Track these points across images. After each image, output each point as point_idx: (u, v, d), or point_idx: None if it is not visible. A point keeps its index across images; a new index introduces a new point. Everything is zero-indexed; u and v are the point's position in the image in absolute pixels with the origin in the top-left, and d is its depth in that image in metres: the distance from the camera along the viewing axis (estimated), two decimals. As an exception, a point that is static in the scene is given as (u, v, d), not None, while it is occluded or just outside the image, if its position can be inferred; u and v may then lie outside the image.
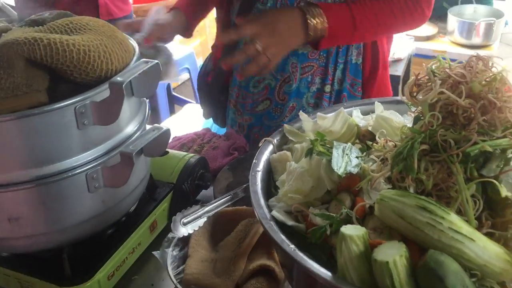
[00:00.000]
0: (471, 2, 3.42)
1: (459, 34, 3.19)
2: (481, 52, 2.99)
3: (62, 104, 0.80)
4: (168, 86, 3.48)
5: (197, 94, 3.39)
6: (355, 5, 1.20)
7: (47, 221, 0.88)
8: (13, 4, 2.74)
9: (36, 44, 0.78)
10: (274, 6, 1.31)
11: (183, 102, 3.47)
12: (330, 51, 1.35)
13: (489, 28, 3.15)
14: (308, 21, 1.16)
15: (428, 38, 3.22)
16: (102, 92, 0.83)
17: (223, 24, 1.47)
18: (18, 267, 0.98)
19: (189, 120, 2.31)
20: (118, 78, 0.82)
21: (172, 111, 3.42)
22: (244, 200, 1.12)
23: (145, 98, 1.03)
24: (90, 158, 0.87)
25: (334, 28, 1.18)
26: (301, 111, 0.96)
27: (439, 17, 3.40)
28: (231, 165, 1.33)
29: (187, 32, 1.49)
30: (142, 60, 0.88)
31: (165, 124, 2.20)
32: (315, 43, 1.21)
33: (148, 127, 0.96)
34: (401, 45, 2.92)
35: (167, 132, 0.92)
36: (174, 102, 3.58)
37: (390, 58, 2.62)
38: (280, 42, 1.16)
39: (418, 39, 3.17)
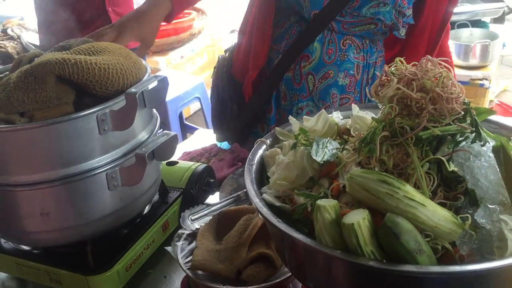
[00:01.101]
0: (467, 26, 3.58)
1: (456, 56, 3.34)
2: (478, 73, 3.15)
3: (86, 112, 0.95)
4: (181, 115, 3.66)
5: (209, 122, 3.52)
6: None
7: (73, 216, 1.03)
8: (37, 43, 2.97)
9: (65, 63, 0.94)
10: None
11: (194, 130, 3.64)
12: (363, 85, 1.53)
13: (485, 49, 3.29)
14: None
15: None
16: (119, 102, 0.99)
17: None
18: (47, 261, 1.12)
19: (200, 143, 2.46)
20: (133, 90, 0.98)
21: (184, 138, 3.58)
22: (246, 202, 1.26)
23: (155, 110, 1.18)
24: (109, 159, 1.02)
25: None
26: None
27: (437, 41, 3.56)
28: (235, 174, 1.47)
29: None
30: (152, 75, 1.04)
31: (177, 148, 2.36)
32: None
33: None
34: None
35: (175, 137, 1.07)
36: (187, 131, 3.75)
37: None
38: None
39: (417, 62, 3.31)
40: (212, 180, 1.38)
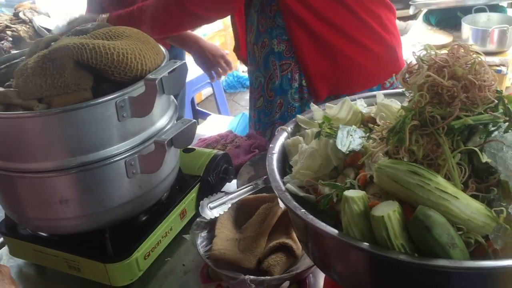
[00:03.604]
0: (484, 11, 3.50)
1: (473, 41, 3.26)
2: (496, 59, 3.08)
3: (105, 98, 0.93)
4: (192, 101, 3.64)
5: (221, 108, 3.58)
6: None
7: (92, 203, 1.02)
8: (49, 27, 2.94)
9: (83, 48, 0.92)
10: None
11: (206, 116, 3.63)
12: None
13: (502, 35, 3.22)
14: None
15: (442, 47, 3.30)
16: (138, 89, 0.97)
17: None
18: (66, 248, 1.11)
19: (213, 128, 2.45)
20: (152, 76, 0.95)
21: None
22: (263, 190, 1.24)
23: (173, 98, 1.16)
24: (128, 147, 1.00)
25: None
26: (288, 106, 1.09)
27: (454, 26, 3.49)
28: (252, 161, 1.45)
29: None
30: (171, 60, 1.01)
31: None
32: None
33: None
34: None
35: (194, 124, 1.05)
36: (198, 116, 3.74)
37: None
38: None
39: (433, 47, 3.25)
40: (230, 168, 1.36)
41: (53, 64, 0.92)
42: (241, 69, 4.82)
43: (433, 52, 0.81)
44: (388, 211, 0.70)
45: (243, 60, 1.79)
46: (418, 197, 0.72)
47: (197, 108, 3.77)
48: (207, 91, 4.28)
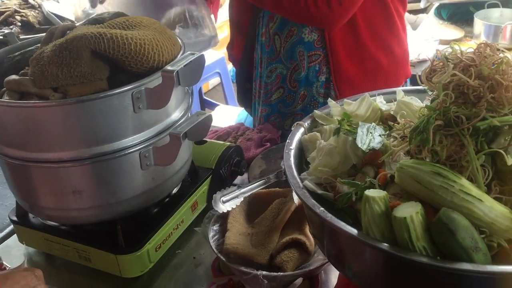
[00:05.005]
0: (497, 6, 3.46)
1: (485, 37, 3.22)
2: (508, 55, 3.02)
3: (122, 89, 0.92)
4: (200, 91, 3.62)
5: (229, 98, 3.55)
6: None
7: (105, 194, 1.01)
8: (58, 13, 2.92)
9: (101, 38, 0.90)
10: None
11: (214, 106, 3.61)
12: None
13: (515, 31, 3.18)
14: None
15: (454, 42, 3.27)
16: (155, 80, 0.95)
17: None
18: (77, 238, 1.11)
19: (221, 120, 2.43)
20: (169, 68, 0.94)
21: (204, 114, 3.54)
22: (275, 185, 1.23)
23: (188, 89, 1.15)
24: (143, 138, 0.99)
25: None
26: (311, 99, 1.06)
27: (466, 21, 3.46)
28: (264, 154, 1.44)
29: None
30: (188, 52, 0.99)
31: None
32: None
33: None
34: (427, 47, 2.99)
35: (209, 117, 1.04)
36: (206, 106, 3.72)
37: (415, 59, 2.69)
38: None
39: (444, 42, 3.23)
40: (242, 161, 1.35)
41: (70, 54, 0.90)
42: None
43: (458, 50, 0.79)
44: (411, 213, 0.69)
45: (235, 60, 1.73)
46: (442, 199, 0.71)
47: (205, 98, 3.75)
48: (214, 80, 4.26)
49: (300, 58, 1.48)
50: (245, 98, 1.76)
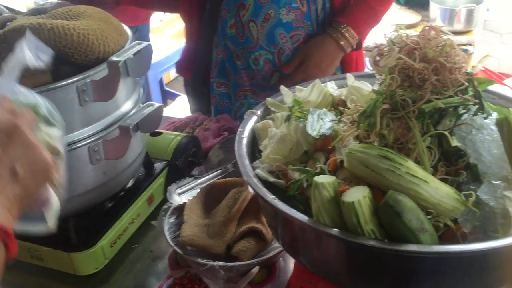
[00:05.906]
0: (452, -10, 3.53)
1: (441, 21, 3.29)
2: (463, 38, 3.11)
3: (65, 82, 0.89)
4: (161, 81, 3.57)
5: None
6: None
7: (54, 191, 0.97)
8: (9, 5, 2.81)
9: (41, 29, 0.87)
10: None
11: (175, 96, 3.56)
12: (313, 18, 1.45)
13: (469, 14, 3.26)
14: (341, 43, 1.41)
15: (411, 26, 3.32)
16: (101, 72, 0.93)
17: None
18: (27, 237, 1.07)
19: (183, 110, 2.40)
20: (115, 58, 0.91)
21: (165, 105, 3.50)
22: (233, 174, 1.22)
23: (139, 79, 1.12)
24: (91, 132, 0.96)
25: (361, 29, 1.41)
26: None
27: (422, 5, 3.51)
28: (221, 144, 1.43)
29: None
30: (135, 42, 0.97)
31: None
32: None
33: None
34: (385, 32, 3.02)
35: (160, 108, 1.02)
36: (167, 97, 3.67)
37: (372, 44, 2.72)
38: (323, 75, 1.37)
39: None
40: (198, 151, 1.34)
41: (8, 46, 0.86)
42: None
43: (404, 34, 0.79)
44: (359, 197, 0.69)
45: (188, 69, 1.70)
46: (389, 182, 0.71)
47: (166, 88, 3.70)
48: (175, 71, 4.20)
49: (283, 41, 1.45)
50: (202, 101, 1.71)
